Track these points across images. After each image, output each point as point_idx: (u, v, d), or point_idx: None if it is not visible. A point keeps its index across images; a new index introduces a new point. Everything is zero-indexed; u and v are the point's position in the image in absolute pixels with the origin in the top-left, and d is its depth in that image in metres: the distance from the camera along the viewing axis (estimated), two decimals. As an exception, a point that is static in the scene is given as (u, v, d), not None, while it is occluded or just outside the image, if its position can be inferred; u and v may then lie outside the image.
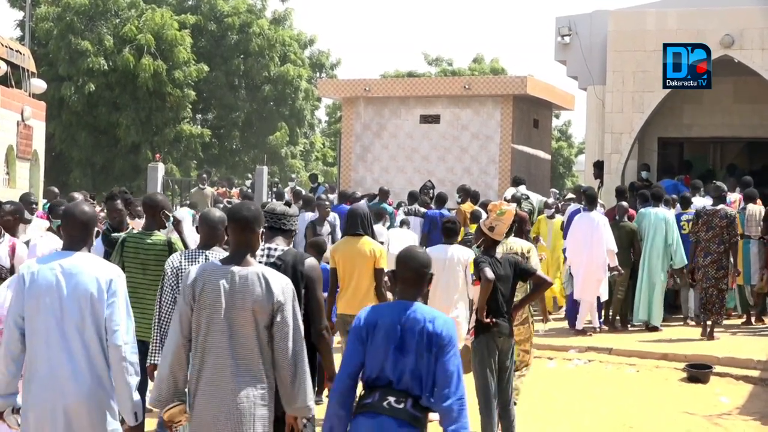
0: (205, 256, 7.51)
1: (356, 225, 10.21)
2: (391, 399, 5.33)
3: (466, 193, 18.49)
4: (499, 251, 9.06)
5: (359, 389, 5.54)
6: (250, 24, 43.41)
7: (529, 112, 30.19)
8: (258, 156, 43.01)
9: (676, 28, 19.90)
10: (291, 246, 6.74)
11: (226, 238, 7.38)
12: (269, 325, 5.57)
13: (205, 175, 23.87)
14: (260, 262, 6.20)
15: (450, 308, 10.86)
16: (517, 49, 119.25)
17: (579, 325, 15.52)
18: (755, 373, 13.07)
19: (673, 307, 17.13)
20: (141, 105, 39.19)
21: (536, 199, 19.47)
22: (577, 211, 16.16)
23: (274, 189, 24.38)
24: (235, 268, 5.62)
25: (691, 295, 16.45)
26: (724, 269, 14.99)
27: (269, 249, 6.58)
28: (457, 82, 30.59)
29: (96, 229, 6.56)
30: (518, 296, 9.17)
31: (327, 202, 17.64)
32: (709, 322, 15.02)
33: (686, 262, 15.64)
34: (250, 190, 24.76)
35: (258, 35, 43.43)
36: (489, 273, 8.46)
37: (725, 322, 15.88)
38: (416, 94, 29.53)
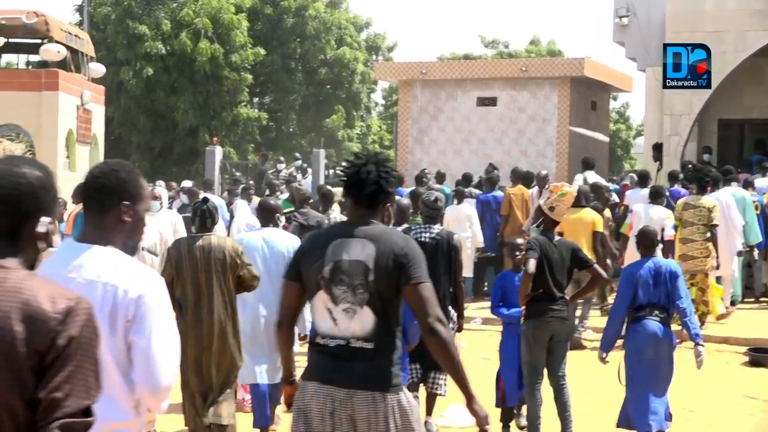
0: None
1: (580, 198, 12.88)
2: (656, 311, 8.52)
3: (517, 176, 17.91)
4: (557, 236, 9.16)
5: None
6: (306, 7, 43.47)
7: (586, 94, 29.94)
8: (315, 139, 43.13)
9: (735, 8, 19.63)
10: (440, 226, 9.45)
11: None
12: None
13: (260, 157, 23.81)
14: (424, 238, 8.92)
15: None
16: (575, 31, 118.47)
17: (727, 302, 15.69)
18: (817, 358, 12.93)
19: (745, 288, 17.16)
20: (198, 89, 39.44)
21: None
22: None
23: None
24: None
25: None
26: None
27: (428, 228, 9.17)
28: (513, 64, 30.42)
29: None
30: None
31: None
32: None
33: (761, 239, 16.11)
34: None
35: (314, 18, 43.50)
36: (531, 267, 8.49)
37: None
38: (473, 77, 29.38)
